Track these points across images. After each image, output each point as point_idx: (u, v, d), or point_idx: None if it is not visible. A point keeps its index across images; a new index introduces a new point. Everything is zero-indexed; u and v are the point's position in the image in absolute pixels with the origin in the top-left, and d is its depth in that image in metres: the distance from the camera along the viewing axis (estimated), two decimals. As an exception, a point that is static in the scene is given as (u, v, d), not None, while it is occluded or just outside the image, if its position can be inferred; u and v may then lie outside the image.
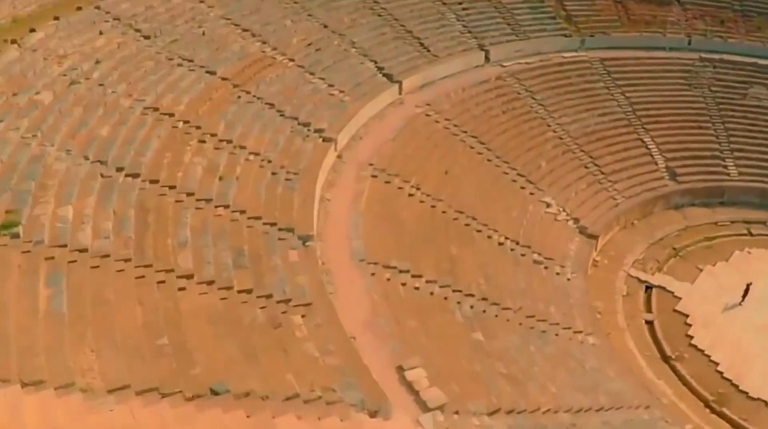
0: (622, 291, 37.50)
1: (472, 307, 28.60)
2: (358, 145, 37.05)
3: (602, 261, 39.46)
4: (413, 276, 28.58)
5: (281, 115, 35.22)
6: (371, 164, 35.30)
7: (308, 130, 35.21)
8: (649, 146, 46.02)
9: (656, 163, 45.28)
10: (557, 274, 34.98)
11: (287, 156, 31.96)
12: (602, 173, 43.18)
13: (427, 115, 41.13)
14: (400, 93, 42.53)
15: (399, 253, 29.32)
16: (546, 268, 34.93)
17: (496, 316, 28.89)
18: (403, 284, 27.91)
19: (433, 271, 29.26)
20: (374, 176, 34.55)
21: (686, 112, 48.80)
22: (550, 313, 31.06)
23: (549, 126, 44.62)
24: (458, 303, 28.31)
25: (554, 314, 31.12)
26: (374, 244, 29.33)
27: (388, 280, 27.66)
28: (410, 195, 34.25)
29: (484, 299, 29.54)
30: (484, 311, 28.85)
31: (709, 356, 33.79)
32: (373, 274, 27.63)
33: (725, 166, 46.35)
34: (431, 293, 28.11)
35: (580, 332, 31.24)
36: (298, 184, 30.19)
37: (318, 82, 39.81)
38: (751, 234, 43.44)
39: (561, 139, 44.19)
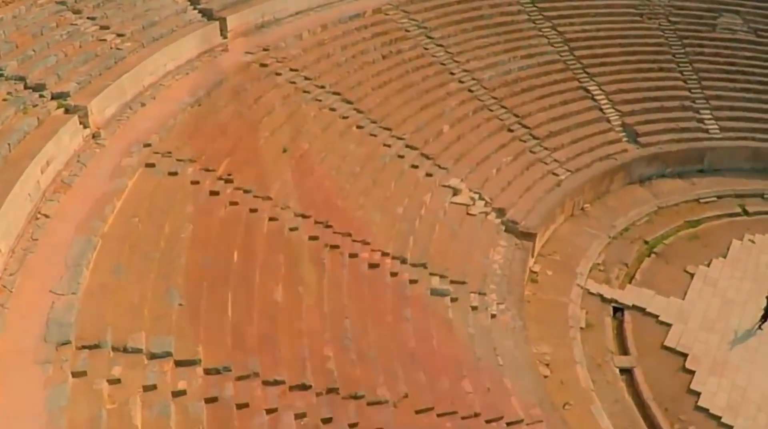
0: (580, 320, 23.75)
1: (303, 419, 14.39)
2: (134, 117, 22.36)
3: (544, 273, 25.62)
4: (179, 365, 14.28)
5: (-2, 75, 20.81)
6: (147, 145, 20.69)
7: (39, 95, 20.79)
8: (597, 97, 32.52)
9: (609, 121, 31.77)
10: (473, 308, 20.87)
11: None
12: (534, 138, 29.29)
13: (263, 65, 26.60)
14: (223, 35, 27.94)
15: (155, 319, 14.96)
16: (454, 300, 20.73)
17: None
18: (148, 389, 13.50)
19: (224, 350, 14.87)
20: (149, 166, 19.94)
21: (641, 50, 35.67)
22: (461, 398, 16.97)
23: (453, 74, 30.62)
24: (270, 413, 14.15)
25: (468, 399, 17.03)
26: (102, 303, 14.93)
27: (115, 383, 13.31)
28: (212, 193, 19.67)
29: (331, 391, 15.36)
30: (329, 421, 14.63)
31: (730, 427, 20.60)
32: (79, 375, 13.21)
33: (701, 120, 33.26)
34: (210, 400, 13.78)
35: (518, 423, 17.33)
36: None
37: (83, 23, 25.09)
38: (747, 212, 30.51)
39: (471, 91, 30.15)
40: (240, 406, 14.13)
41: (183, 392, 13.88)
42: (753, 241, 28.39)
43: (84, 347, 13.99)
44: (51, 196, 18.29)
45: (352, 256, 20.17)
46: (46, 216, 17.51)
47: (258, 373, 14.89)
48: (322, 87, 26.72)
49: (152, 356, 14.33)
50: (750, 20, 38.27)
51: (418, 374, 17.12)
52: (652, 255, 27.43)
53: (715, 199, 30.94)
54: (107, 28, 25.37)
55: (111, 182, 19.02)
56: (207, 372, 14.52)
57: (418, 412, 16.14)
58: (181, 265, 16.78)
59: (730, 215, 30.28)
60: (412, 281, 20.62)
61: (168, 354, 14.40)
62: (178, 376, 14.15)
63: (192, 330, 15.14)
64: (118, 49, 24.52)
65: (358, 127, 25.83)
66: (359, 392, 15.77)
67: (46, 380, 13.22)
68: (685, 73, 35.08)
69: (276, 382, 14.97)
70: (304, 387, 15.16)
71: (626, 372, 22.35)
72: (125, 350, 14.18)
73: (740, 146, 32.75)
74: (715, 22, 38.09)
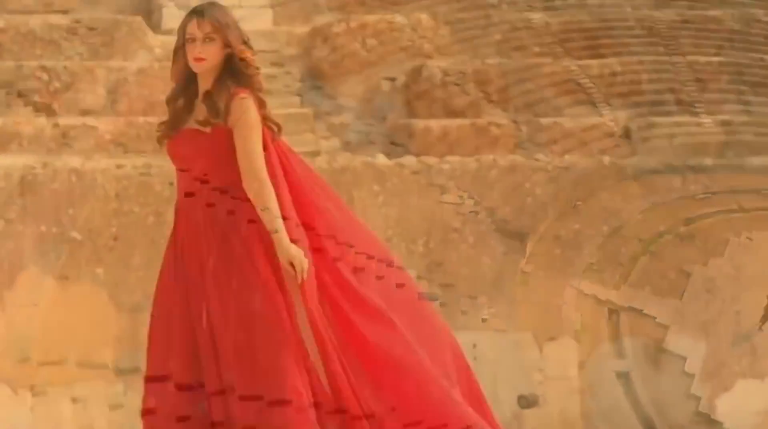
0: (574, 323, 23.04)
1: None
2: (104, 115, 21.22)
3: (536, 273, 24.72)
4: (149, 381, 13.29)
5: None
6: (119, 145, 19.90)
7: (6, 93, 19.83)
8: (589, 91, 31.59)
9: (601, 115, 30.94)
10: (463, 313, 20.07)
11: None
12: (524, 133, 28.42)
13: (241, 60, 25.62)
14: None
15: (124, 331, 14.23)
16: (442, 305, 19.91)
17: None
18: (114, 408, 12.64)
19: (198, 363, 13.98)
20: (120, 166, 19.00)
21: (633, 41, 34.84)
22: (452, 409, 16.19)
23: (438, 67, 29.78)
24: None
25: (459, 410, 16.25)
26: (67, 315, 14.35)
27: (78, 402, 12.62)
28: (187, 195, 18.64)
29: (314, 405, 14.49)
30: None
31: (733, 435, 19.94)
32: (40, 395, 12.52)
33: (696, 115, 32.40)
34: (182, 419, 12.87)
35: (513, 435, 16.51)
36: None
37: (52, 16, 24.08)
38: (743, 209, 29.68)
39: (457, 85, 29.11)
40: (215, 425, 13.19)
41: (152, 411, 12.94)
42: (751, 239, 27.66)
43: (45, 363, 13.11)
44: (15, 199, 17.42)
45: (336, 259, 19.24)
46: (9, 221, 16.59)
47: (234, 388, 13.97)
48: (301, 81, 25.85)
49: (119, 372, 13.46)
50: (742, 11, 37.70)
51: (406, 385, 16.24)
52: (648, 254, 26.67)
53: (710, 195, 30.18)
54: (78, 21, 24.46)
55: (80, 184, 18.08)
56: (179, 388, 13.58)
57: (406, 425, 15.25)
58: (153, 271, 15.81)
59: (727, 211, 29.55)
60: (399, 285, 19.68)
61: (137, 369, 13.47)
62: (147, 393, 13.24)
63: (164, 342, 14.19)
64: (89, 42, 23.64)
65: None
66: (343, 406, 14.90)
67: (3, 401, 12.32)
68: (678, 65, 34.40)
69: (254, 397, 14.07)
70: (284, 402, 14.26)
71: (623, 376, 21.73)
72: (90, 366, 13.32)
73: (736, 140, 32.06)
74: (706, 13, 37.54)
